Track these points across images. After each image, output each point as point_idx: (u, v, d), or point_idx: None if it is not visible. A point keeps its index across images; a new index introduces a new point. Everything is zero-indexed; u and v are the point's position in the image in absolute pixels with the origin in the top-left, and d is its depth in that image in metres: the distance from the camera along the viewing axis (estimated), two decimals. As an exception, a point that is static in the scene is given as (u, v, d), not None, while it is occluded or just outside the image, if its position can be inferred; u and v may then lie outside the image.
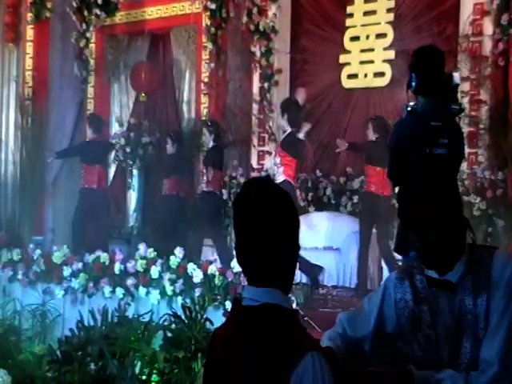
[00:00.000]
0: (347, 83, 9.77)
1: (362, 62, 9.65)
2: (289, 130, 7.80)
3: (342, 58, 9.80)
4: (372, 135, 7.90)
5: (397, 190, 5.09)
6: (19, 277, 7.12)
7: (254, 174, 9.31)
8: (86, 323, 6.01)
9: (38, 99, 10.97)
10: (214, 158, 8.55)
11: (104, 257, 6.92)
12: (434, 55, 4.70)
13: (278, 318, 1.93)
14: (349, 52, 9.76)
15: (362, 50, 9.65)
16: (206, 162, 8.72)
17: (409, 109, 4.73)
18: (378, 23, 9.53)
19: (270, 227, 1.96)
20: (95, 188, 9.42)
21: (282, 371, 1.81)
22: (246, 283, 5.39)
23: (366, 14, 9.64)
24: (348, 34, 9.76)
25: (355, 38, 9.72)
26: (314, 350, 1.86)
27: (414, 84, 4.66)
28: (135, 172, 10.67)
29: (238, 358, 1.95)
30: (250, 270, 2.02)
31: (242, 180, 9.29)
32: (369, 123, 8.02)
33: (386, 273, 7.58)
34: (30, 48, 11.24)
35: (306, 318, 5.67)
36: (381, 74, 9.44)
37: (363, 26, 9.64)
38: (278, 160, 7.62)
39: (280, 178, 7.38)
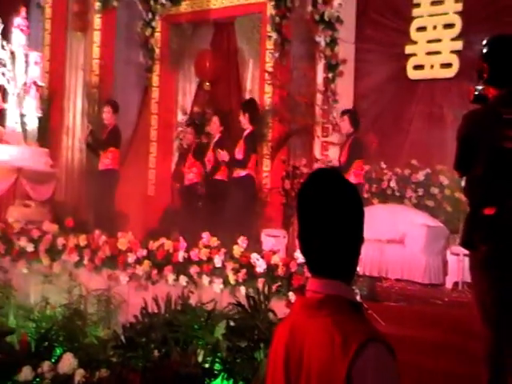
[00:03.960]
0: (413, 74, 9.65)
1: (428, 53, 9.54)
2: (250, 128, 8.57)
3: (408, 49, 9.69)
4: None
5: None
6: (85, 262, 7.22)
7: (317, 165, 9.26)
8: (149, 310, 6.07)
9: (104, 87, 11.16)
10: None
11: (168, 244, 6.96)
12: (508, 44, 4.57)
13: (342, 310, 1.92)
14: (415, 42, 9.65)
15: (429, 41, 9.54)
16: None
17: (476, 93, 4.59)
18: (446, 13, 9.39)
19: (335, 218, 1.96)
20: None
21: (345, 362, 1.80)
22: (309, 274, 5.38)
23: (433, 3, 9.52)
24: (414, 24, 9.65)
25: (422, 29, 9.60)
26: (378, 340, 1.84)
27: (485, 75, 4.54)
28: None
29: (301, 349, 1.94)
30: (313, 260, 2.01)
31: (305, 170, 9.26)
32: None
33: (450, 267, 7.48)
34: (96, 37, 11.42)
35: (369, 311, 5.63)
36: (448, 65, 9.31)
37: (430, 16, 9.53)
38: None
39: None
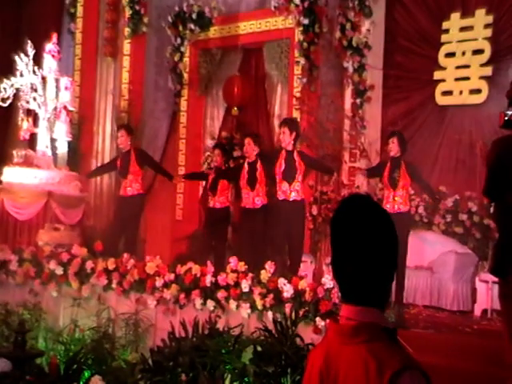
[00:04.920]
0: (441, 100, 9.64)
1: (457, 79, 9.52)
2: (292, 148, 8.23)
3: (437, 75, 9.68)
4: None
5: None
6: (113, 286, 7.27)
7: (344, 191, 9.26)
8: (177, 334, 6.09)
9: (133, 112, 11.26)
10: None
11: (195, 268, 6.99)
12: None
13: (376, 337, 1.93)
14: (444, 68, 9.64)
15: (458, 67, 9.52)
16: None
17: (506, 118, 4.57)
18: (475, 39, 9.37)
19: (369, 244, 1.97)
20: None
21: None
22: (336, 300, 5.35)
23: (462, 29, 9.51)
24: (443, 50, 9.64)
25: (451, 54, 9.59)
26: (413, 368, 1.84)
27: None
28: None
29: (336, 376, 1.95)
30: (346, 286, 2.03)
31: (332, 196, 9.26)
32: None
33: (479, 294, 7.41)
34: (126, 62, 11.55)
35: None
36: (477, 91, 9.28)
37: (459, 41, 9.51)
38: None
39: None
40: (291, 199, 8.20)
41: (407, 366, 1.84)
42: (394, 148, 8.21)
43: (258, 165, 8.72)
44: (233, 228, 9.82)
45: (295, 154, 8.31)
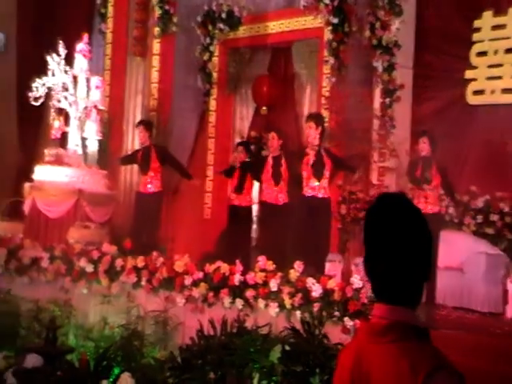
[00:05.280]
0: (472, 99, 9.56)
1: (489, 78, 9.42)
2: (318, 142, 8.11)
3: (468, 74, 9.60)
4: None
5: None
6: (143, 283, 7.31)
7: (373, 190, 9.21)
8: (205, 332, 6.10)
9: (162, 111, 11.32)
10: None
11: (224, 267, 7.00)
12: None
13: (408, 336, 1.91)
14: (475, 67, 9.55)
15: (490, 66, 9.43)
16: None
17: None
18: (508, 37, 9.27)
19: (402, 243, 1.96)
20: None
21: None
22: (365, 300, 5.34)
23: (494, 28, 9.43)
24: (475, 48, 9.57)
25: (482, 53, 9.51)
26: (447, 368, 1.83)
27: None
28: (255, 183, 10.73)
29: (367, 375, 1.94)
30: (379, 285, 2.01)
31: (361, 196, 9.22)
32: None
33: (511, 295, 7.34)
34: (155, 61, 11.60)
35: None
36: (509, 90, 9.20)
37: (491, 40, 9.42)
38: None
39: None
40: (319, 196, 8.18)
41: (441, 366, 1.83)
42: (425, 148, 8.18)
43: (283, 161, 8.73)
44: (258, 226, 9.82)
45: (322, 150, 8.29)
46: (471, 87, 9.57)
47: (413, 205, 2.06)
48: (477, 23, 9.59)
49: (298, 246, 8.19)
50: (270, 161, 8.87)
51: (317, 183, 8.19)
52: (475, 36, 9.58)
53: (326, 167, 8.22)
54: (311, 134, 8.35)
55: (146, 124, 10.06)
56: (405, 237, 1.96)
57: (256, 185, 9.80)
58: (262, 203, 9.18)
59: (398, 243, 1.96)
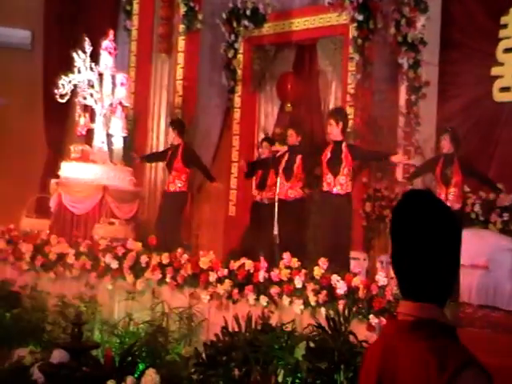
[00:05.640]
0: (499, 96, 9.47)
1: (515, 75, 9.33)
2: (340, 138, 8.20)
3: (494, 71, 9.52)
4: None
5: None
6: (167, 280, 7.33)
7: (398, 188, 9.17)
8: (230, 329, 6.12)
9: (187, 108, 11.35)
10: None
11: (248, 264, 7.01)
12: None
13: (435, 333, 1.91)
14: (501, 64, 9.47)
15: (517, 63, 9.34)
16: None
17: None
18: (535, 34, 9.19)
19: (429, 240, 1.95)
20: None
21: None
22: (390, 297, 5.31)
23: (521, 24, 9.32)
24: (501, 45, 9.48)
25: (509, 50, 9.41)
26: (475, 365, 1.83)
27: None
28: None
29: (394, 373, 1.93)
30: (406, 282, 2.01)
31: (386, 193, 9.20)
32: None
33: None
34: (180, 58, 11.63)
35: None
36: (536, 88, 9.10)
37: (519, 36, 9.33)
38: None
39: None
40: (334, 192, 8.15)
41: (469, 363, 1.82)
42: (445, 145, 8.18)
43: (298, 158, 8.76)
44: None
45: (343, 145, 8.27)
46: (498, 84, 9.48)
47: (440, 201, 2.06)
48: (504, 19, 9.49)
49: (312, 241, 8.21)
50: (285, 156, 8.91)
51: (332, 179, 8.15)
52: (502, 32, 9.49)
53: (344, 163, 8.17)
54: (332, 130, 8.32)
55: (176, 123, 10.09)
56: (431, 233, 1.95)
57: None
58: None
59: (425, 240, 1.95)
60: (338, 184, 8.12)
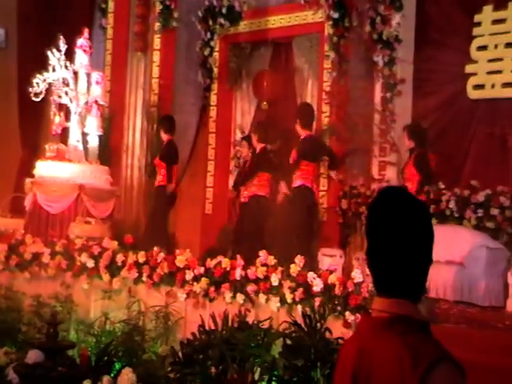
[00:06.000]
0: (473, 94, 9.52)
1: (489, 72, 9.39)
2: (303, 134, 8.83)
3: (468, 68, 9.57)
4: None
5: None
6: (144, 279, 7.31)
7: (374, 185, 9.22)
8: (207, 327, 6.11)
9: (163, 106, 11.31)
10: None
11: (225, 262, 7.01)
12: None
13: (409, 329, 1.92)
14: (475, 62, 9.52)
15: (490, 60, 9.39)
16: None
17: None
18: (508, 32, 9.24)
19: (403, 236, 1.97)
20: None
21: (415, 382, 1.80)
22: (366, 294, 5.33)
23: (494, 22, 9.38)
24: (475, 43, 9.52)
25: (483, 48, 9.47)
26: (448, 360, 1.84)
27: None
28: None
29: (369, 369, 1.94)
30: (380, 278, 2.02)
31: (362, 190, 9.23)
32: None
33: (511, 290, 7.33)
34: (156, 56, 11.60)
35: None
36: (509, 85, 9.15)
37: (492, 34, 9.38)
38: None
39: None
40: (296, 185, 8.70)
41: (442, 358, 1.84)
42: (405, 141, 8.36)
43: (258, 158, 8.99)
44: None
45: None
46: (472, 81, 9.52)
47: (415, 198, 2.08)
48: (477, 17, 9.54)
49: (272, 235, 8.60)
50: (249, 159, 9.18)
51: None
52: (475, 30, 9.54)
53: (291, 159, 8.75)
54: (297, 128, 8.99)
55: (162, 120, 10.24)
56: (405, 230, 1.97)
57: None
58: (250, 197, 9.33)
59: (399, 236, 1.97)
60: (298, 178, 8.79)
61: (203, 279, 6.97)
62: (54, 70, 9.59)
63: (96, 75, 9.85)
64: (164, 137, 10.11)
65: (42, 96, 9.52)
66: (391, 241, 1.98)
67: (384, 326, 1.95)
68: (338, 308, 6.16)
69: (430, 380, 1.80)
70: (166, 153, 9.99)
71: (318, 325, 5.83)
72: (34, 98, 9.50)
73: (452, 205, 8.76)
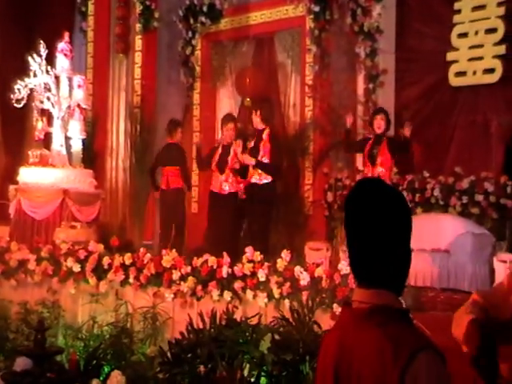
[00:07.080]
0: (455, 81, 9.53)
1: (470, 59, 9.40)
2: (262, 126, 8.57)
3: (450, 56, 9.58)
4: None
5: None
6: (131, 280, 7.27)
7: (359, 177, 9.20)
8: (195, 326, 6.09)
9: (146, 107, 11.30)
10: None
11: (212, 260, 6.98)
12: None
13: (389, 319, 1.91)
14: (456, 49, 9.53)
15: (471, 47, 9.40)
16: None
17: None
18: (488, 18, 9.25)
19: (383, 227, 1.96)
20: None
21: (397, 370, 1.80)
22: (353, 286, 5.33)
23: (474, 9, 9.40)
24: (456, 30, 9.54)
25: (463, 35, 9.49)
26: (429, 348, 1.83)
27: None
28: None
29: (351, 360, 1.94)
30: (360, 268, 2.02)
31: (347, 183, 9.22)
32: None
33: (497, 274, 7.33)
34: (138, 57, 11.60)
35: (414, 321, 5.53)
36: (491, 71, 9.16)
37: (472, 21, 9.39)
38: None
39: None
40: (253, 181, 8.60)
41: (423, 347, 1.83)
42: (381, 124, 8.13)
43: (232, 149, 8.84)
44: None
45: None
46: (453, 69, 9.53)
47: (392, 189, 2.08)
48: (457, 5, 9.55)
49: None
50: (218, 150, 8.95)
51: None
52: (456, 18, 9.54)
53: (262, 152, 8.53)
54: (254, 120, 8.76)
55: (169, 124, 10.21)
56: (382, 220, 1.96)
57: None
58: (210, 193, 9.26)
59: (377, 226, 1.96)
60: (257, 174, 8.55)
61: (190, 278, 6.94)
62: (35, 75, 9.52)
63: (78, 79, 9.79)
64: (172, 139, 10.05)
65: (23, 102, 9.45)
66: (367, 231, 1.97)
67: (364, 316, 1.94)
68: (326, 301, 6.14)
69: (411, 369, 1.79)
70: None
71: (306, 318, 5.82)
72: (15, 105, 9.43)
73: (437, 193, 8.77)
